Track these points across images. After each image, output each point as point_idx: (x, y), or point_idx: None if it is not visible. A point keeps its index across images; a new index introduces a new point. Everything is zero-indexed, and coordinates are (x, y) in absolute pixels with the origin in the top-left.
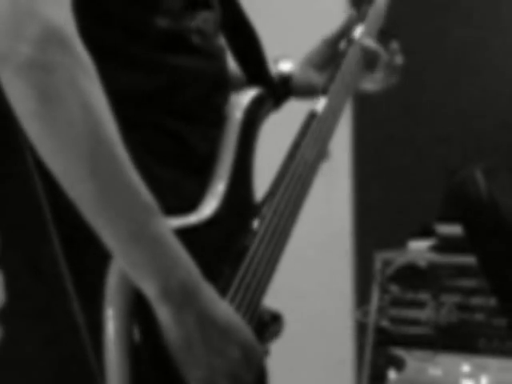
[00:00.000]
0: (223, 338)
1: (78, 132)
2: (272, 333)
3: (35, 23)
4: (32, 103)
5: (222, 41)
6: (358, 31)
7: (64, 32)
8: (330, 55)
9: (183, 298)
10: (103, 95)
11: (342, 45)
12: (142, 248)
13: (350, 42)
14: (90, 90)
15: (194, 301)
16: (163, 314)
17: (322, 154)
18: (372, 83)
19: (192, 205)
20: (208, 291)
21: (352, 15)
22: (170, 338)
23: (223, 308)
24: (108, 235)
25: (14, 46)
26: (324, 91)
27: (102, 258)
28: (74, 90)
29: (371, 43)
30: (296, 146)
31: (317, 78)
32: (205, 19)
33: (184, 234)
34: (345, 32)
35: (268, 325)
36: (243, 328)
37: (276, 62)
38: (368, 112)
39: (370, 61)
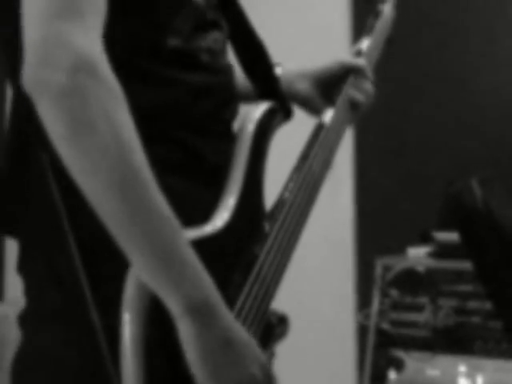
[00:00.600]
0: (242, 357)
1: (109, 158)
2: (279, 334)
3: (66, 52)
4: (65, 129)
5: (229, 58)
6: (365, 43)
7: (94, 59)
8: (338, 78)
9: (206, 317)
10: (131, 119)
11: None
12: (169, 268)
13: (358, 54)
14: (119, 116)
15: (215, 319)
16: (186, 329)
17: (328, 163)
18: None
19: (205, 216)
20: (224, 308)
21: (360, 52)
22: (189, 353)
23: (239, 327)
24: (135, 254)
25: (46, 76)
26: (332, 103)
27: (120, 264)
28: (105, 117)
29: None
30: (304, 157)
31: (317, 98)
32: (214, 39)
33: (197, 245)
34: (358, 68)
35: (275, 327)
36: (257, 347)
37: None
38: (370, 124)
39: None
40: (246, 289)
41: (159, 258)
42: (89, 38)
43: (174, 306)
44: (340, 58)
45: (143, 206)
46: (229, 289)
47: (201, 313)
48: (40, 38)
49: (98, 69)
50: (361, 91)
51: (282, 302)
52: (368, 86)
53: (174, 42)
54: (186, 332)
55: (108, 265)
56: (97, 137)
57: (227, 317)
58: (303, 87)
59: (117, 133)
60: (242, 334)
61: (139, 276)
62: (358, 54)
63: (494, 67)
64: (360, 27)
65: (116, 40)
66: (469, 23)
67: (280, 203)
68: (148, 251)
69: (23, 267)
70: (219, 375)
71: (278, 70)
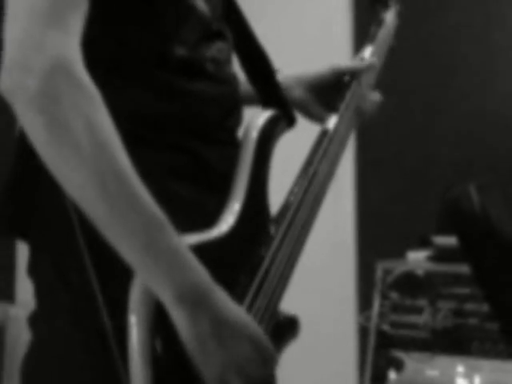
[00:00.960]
0: (234, 336)
1: (84, 154)
2: (289, 335)
3: (42, 56)
4: (41, 131)
5: (233, 68)
6: (368, 52)
7: (69, 63)
8: (332, 83)
9: (195, 301)
10: (108, 119)
11: (346, 78)
12: (154, 259)
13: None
14: (94, 115)
15: (205, 303)
16: (178, 316)
17: (333, 169)
18: (370, 104)
19: (211, 220)
20: (218, 293)
21: (363, 59)
22: (184, 339)
23: (233, 308)
24: (122, 249)
25: (23, 79)
26: (335, 109)
27: (128, 269)
28: (79, 117)
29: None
30: (309, 163)
31: (312, 105)
32: (219, 49)
33: (203, 248)
34: (354, 70)
35: (285, 328)
36: (253, 326)
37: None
38: (371, 131)
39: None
40: (253, 289)
41: (146, 253)
42: (65, 42)
43: (165, 296)
44: (334, 64)
45: (123, 203)
46: (236, 289)
47: (189, 299)
48: (17, 40)
49: (73, 72)
50: (367, 100)
51: (285, 303)
52: (375, 95)
53: (180, 51)
54: (178, 319)
55: (117, 267)
56: (72, 136)
57: (218, 300)
58: (298, 93)
59: (92, 133)
60: (237, 315)
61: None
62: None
63: (492, 78)
64: (363, 35)
65: (124, 48)
66: (468, 35)
67: (285, 207)
68: (133, 247)
69: (33, 270)
70: (213, 358)
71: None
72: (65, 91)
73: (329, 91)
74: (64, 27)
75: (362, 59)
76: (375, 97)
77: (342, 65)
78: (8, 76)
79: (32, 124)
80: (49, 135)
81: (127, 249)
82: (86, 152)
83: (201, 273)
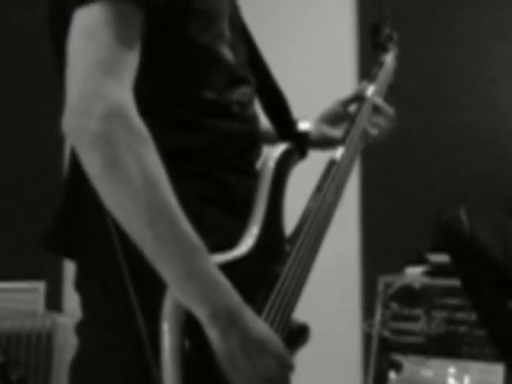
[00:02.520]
0: (260, 351)
1: (136, 190)
2: (301, 341)
3: (101, 104)
4: (99, 169)
5: (255, 109)
6: (370, 90)
7: (125, 110)
8: (341, 113)
9: (228, 321)
10: (158, 159)
11: (352, 107)
12: (193, 283)
13: (363, 99)
14: (146, 155)
15: (236, 322)
16: (212, 332)
17: (340, 194)
18: (378, 131)
19: (233, 242)
20: (247, 313)
21: (362, 85)
22: (217, 351)
23: (260, 326)
24: (165, 273)
25: (84, 124)
26: (341, 142)
27: (160, 283)
28: (133, 157)
29: (380, 101)
30: (319, 189)
31: (329, 132)
32: (243, 93)
33: (225, 267)
34: (356, 97)
35: (297, 334)
36: (276, 341)
37: (296, 121)
38: (374, 162)
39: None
40: (270, 301)
41: (184, 275)
42: (121, 92)
43: (200, 314)
44: (340, 97)
45: (170, 232)
46: (255, 302)
47: (222, 318)
48: (79, 89)
49: (128, 117)
50: (375, 125)
51: (298, 312)
52: (382, 121)
53: (209, 95)
54: (212, 335)
55: (151, 282)
56: (126, 174)
57: (248, 319)
58: (328, 131)
59: (144, 170)
60: (263, 332)
61: (173, 292)
62: (364, 100)
63: (485, 116)
64: (366, 75)
65: (162, 93)
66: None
67: (299, 228)
68: (177, 271)
69: (80, 285)
70: (241, 369)
71: (307, 125)
72: (121, 134)
73: (339, 118)
74: (119, 79)
75: (365, 97)
76: (382, 123)
77: (346, 96)
78: (71, 120)
79: (91, 162)
80: (106, 173)
81: (169, 271)
82: (139, 188)
83: (232, 294)
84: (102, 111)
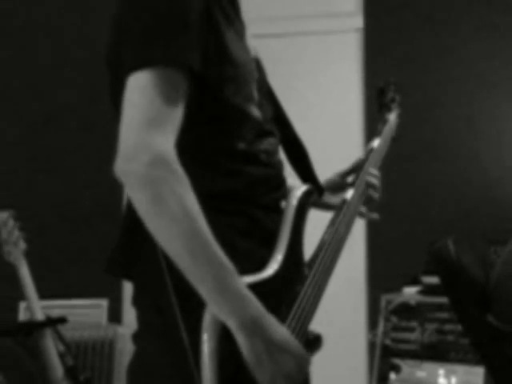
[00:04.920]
0: (281, 352)
1: (177, 222)
2: (315, 347)
3: (149, 152)
4: (146, 205)
5: (280, 156)
6: (376, 143)
7: (168, 157)
8: (340, 183)
9: (253, 329)
10: (194, 197)
11: (350, 178)
12: (225, 298)
13: (371, 151)
14: (184, 194)
15: (260, 329)
16: (240, 339)
17: (349, 228)
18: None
19: (261, 266)
20: (269, 320)
21: (359, 159)
22: (245, 354)
23: (281, 331)
24: (201, 290)
25: (134, 167)
26: (352, 185)
27: (200, 301)
28: (173, 195)
29: (374, 172)
30: (332, 223)
31: (329, 199)
32: (270, 143)
33: (254, 286)
34: (353, 170)
35: (312, 342)
36: (295, 343)
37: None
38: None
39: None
40: (290, 315)
41: (218, 292)
42: (165, 143)
43: (231, 324)
44: (339, 170)
45: (206, 258)
46: (278, 317)
47: (249, 327)
48: (130, 139)
49: (170, 163)
50: (373, 188)
51: (313, 325)
52: (377, 194)
53: (241, 145)
54: (241, 342)
55: (193, 300)
56: (168, 209)
57: (270, 325)
58: (330, 199)
59: (183, 206)
60: (284, 336)
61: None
62: (371, 150)
63: (476, 163)
64: (372, 130)
65: (202, 144)
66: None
67: (315, 255)
68: (211, 288)
69: (136, 301)
70: (266, 368)
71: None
72: (164, 177)
73: (339, 189)
74: (164, 132)
75: (372, 149)
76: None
77: (343, 169)
78: (123, 165)
79: (139, 200)
80: (151, 208)
81: (205, 290)
82: (178, 220)
83: (257, 307)
84: (149, 158)
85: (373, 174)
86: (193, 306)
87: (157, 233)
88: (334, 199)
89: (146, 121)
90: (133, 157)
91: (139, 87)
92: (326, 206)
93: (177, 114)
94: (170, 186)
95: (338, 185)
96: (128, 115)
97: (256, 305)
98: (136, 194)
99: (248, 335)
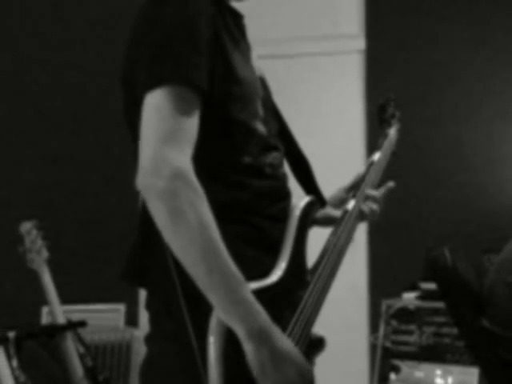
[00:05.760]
0: (284, 361)
1: (193, 232)
2: (318, 349)
3: (168, 167)
4: (164, 217)
5: (284, 169)
6: (376, 156)
7: (185, 170)
8: (343, 198)
9: (260, 338)
10: (209, 209)
11: (351, 193)
12: (235, 307)
13: (371, 164)
14: (200, 206)
15: (266, 339)
16: (247, 346)
17: (351, 236)
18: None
19: (266, 273)
20: (275, 332)
21: (359, 174)
22: (250, 362)
23: (285, 342)
24: (212, 298)
25: (154, 182)
26: (353, 196)
27: (208, 305)
28: (191, 207)
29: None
30: (334, 233)
31: (332, 212)
32: (274, 157)
33: (258, 292)
34: (354, 185)
35: (315, 345)
36: (298, 354)
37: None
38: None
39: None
40: (293, 320)
41: (228, 301)
42: (182, 158)
43: (239, 332)
44: (342, 186)
45: (218, 267)
46: (282, 321)
47: (256, 336)
48: (150, 155)
49: (189, 178)
50: (368, 207)
51: (316, 328)
52: (374, 206)
53: (247, 159)
54: (247, 349)
55: (201, 305)
56: (186, 220)
57: (275, 337)
58: (332, 212)
59: (200, 220)
60: (287, 347)
61: (217, 313)
62: (371, 163)
63: (471, 189)
64: (373, 145)
65: (211, 158)
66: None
67: (318, 262)
68: (221, 297)
69: (149, 306)
70: (270, 377)
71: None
72: (182, 190)
73: (342, 203)
74: (181, 147)
75: (373, 162)
76: (374, 207)
77: (345, 184)
78: (143, 179)
79: (158, 212)
80: (170, 219)
81: (216, 298)
82: (195, 231)
83: (264, 317)
84: (168, 172)
85: (373, 194)
86: (201, 310)
87: (174, 242)
88: (336, 213)
89: (164, 137)
90: (153, 171)
91: (155, 105)
92: (330, 220)
93: (192, 129)
94: (188, 199)
95: (342, 199)
96: (147, 132)
97: (263, 315)
98: (156, 207)
99: (255, 343)
